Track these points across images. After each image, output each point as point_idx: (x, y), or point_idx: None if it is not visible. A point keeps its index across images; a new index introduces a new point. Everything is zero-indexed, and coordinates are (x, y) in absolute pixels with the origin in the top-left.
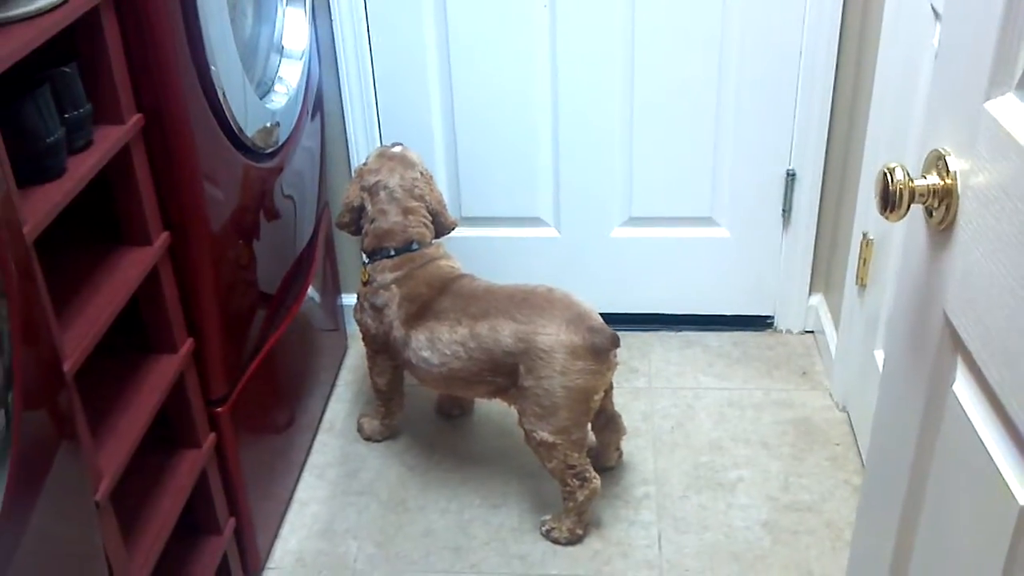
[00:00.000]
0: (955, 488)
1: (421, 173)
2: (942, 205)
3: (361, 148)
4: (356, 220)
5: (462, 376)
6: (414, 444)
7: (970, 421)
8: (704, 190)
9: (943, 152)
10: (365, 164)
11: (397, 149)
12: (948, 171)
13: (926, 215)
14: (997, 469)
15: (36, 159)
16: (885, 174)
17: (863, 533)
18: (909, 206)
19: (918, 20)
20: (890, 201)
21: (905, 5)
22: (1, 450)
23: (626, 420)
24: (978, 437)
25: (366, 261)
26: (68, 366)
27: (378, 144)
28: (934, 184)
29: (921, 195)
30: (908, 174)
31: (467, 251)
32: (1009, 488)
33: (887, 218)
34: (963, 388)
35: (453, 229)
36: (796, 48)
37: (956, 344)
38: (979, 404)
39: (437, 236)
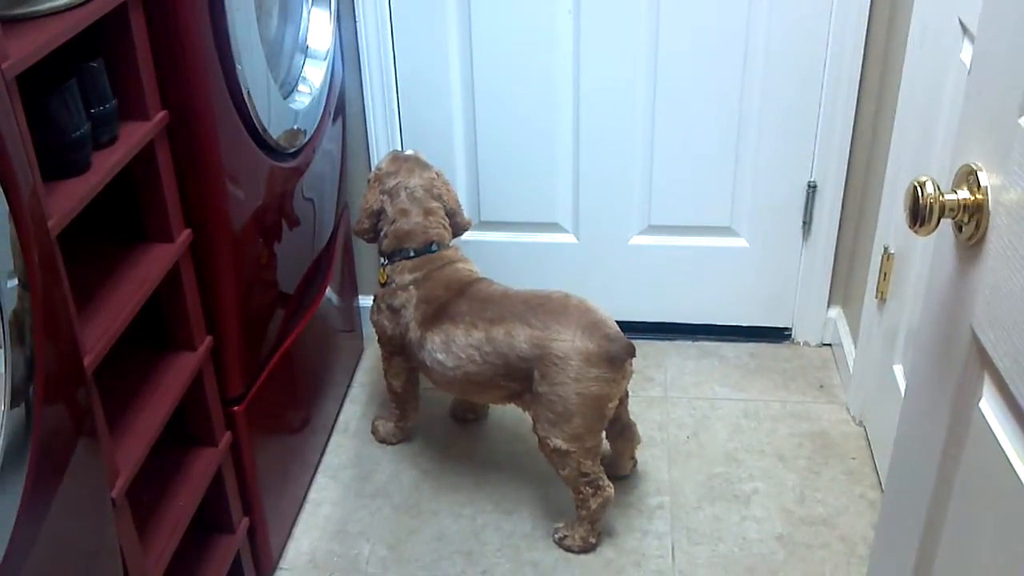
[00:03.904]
0: (979, 506)
1: (437, 174)
2: (972, 220)
3: (382, 150)
4: (375, 225)
5: (476, 380)
6: (428, 448)
7: (996, 439)
8: (724, 200)
9: (975, 167)
10: (380, 168)
11: (410, 152)
12: (979, 186)
13: (955, 230)
14: None
15: (62, 153)
16: (915, 188)
17: (882, 550)
18: (939, 221)
19: (945, 34)
20: (920, 215)
21: (932, 19)
22: (21, 444)
23: (641, 429)
24: (1004, 455)
25: (384, 262)
26: (88, 361)
27: (398, 147)
28: (965, 199)
29: (951, 210)
30: (939, 188)
31: (485, 255)
32: None
33: (916, 232)
34: (990, 405)
35: (468, 229)
36: (820, 59)
37: (983, 360)
38: (1006, 421)
39: (453, 236)
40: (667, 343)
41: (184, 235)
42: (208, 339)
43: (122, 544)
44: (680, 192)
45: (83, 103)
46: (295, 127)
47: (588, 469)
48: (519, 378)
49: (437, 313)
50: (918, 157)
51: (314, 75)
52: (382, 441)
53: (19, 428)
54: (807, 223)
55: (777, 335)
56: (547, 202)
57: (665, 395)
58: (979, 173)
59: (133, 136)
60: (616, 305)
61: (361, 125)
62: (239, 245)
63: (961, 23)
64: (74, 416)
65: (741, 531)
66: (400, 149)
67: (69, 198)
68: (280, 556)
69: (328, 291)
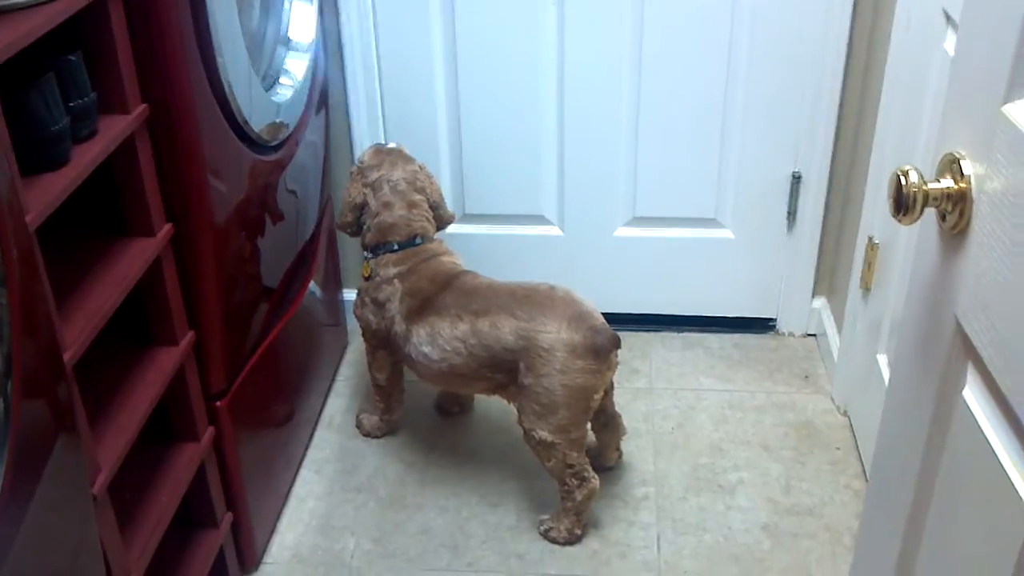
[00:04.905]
0: (963, 495)
1: (420, 166)
2: (956, 209)
3: (365, 143)
4: (358, 219)
5: (462, 372)
6: (413, 441)
7: (980, 427)
8: (709, 191)
9: (958, 155)
10: (362, 161)
11: (392, 144)
12: (963, 175)
13: (939, 219)
14: (1007, 476)
15: (40, 147)
16: (899, 177)
17: (867, 539)
18: (923, 210)
19: (929, 24)
20: (903, 204)
21: (916, 9)
22: (0, 440)
23: (626, 420)
24: (988, 443)
25: (367, 256)
26: (68, 356)
27: (381, 140)
28: (948, 188)
29: (935, 199)
30: (922, 177)
31: (470, 248)
32: (1019, 495)
33: (900, 222)
34: (973, 394)
35: (452, 222)
36: (805, 50)
37: (967, 349)
38: (990, 410)
39: (437, 229)
40: (652, 334)
41: (165, 229)
42: (190, 334)
43: (104, 541)
44: (665, 183)
45: (62, 97)
46: (277, 120)
47: (573, 460)
48: (505, 370)
49: (422, 306)
50: (902, 146)
51: (296, 67)
52: (367, 435)
53: None
54: (792, 214)
55: (762, 326)
56: (532, 194)
57: (650, 386)
58: (962, 161)
59: (113, 130)
60: (601, 297)
61: (344, 118)
62: (221, 239)
63: (945, 12)
64: (54, 412)
65: (726, 521)
66: (383, 142)
67: (48, 192)
68: (264, 551)
69: (312, 285)
